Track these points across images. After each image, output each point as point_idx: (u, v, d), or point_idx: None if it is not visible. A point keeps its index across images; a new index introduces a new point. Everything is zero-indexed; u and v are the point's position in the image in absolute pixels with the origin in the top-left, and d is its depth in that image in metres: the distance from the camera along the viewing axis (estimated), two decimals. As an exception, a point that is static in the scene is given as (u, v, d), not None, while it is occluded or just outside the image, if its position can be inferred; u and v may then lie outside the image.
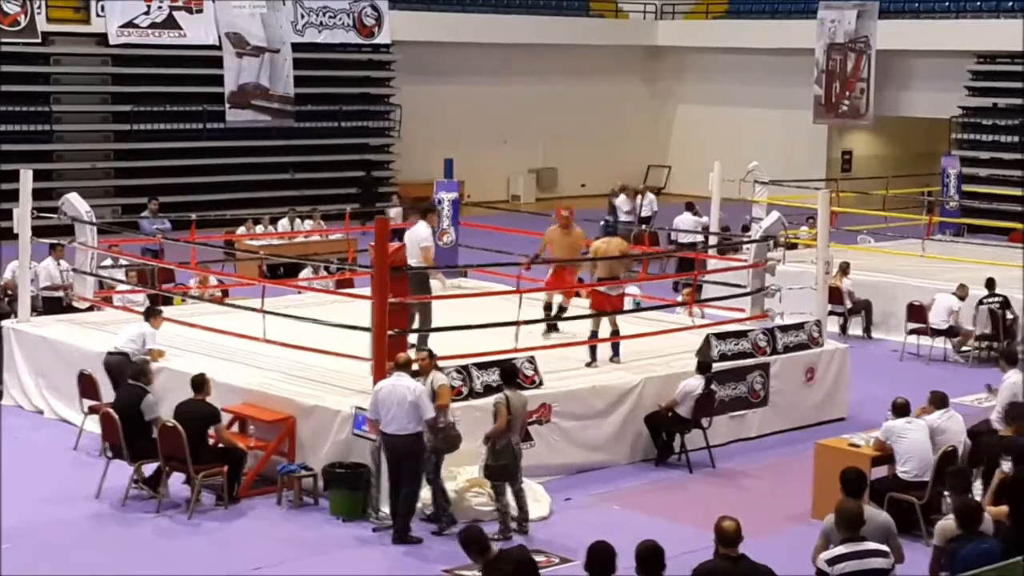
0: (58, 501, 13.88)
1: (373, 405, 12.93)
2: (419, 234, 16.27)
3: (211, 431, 13.65)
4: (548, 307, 17.51)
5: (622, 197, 29.84)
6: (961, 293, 20.93)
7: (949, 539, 9.81)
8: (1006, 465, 12.58)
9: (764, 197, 25.93)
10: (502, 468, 12.95)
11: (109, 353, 15.47)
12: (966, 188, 32.47)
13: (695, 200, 28.72)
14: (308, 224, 27.62)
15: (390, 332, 13.92)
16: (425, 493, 13.19)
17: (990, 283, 20.87)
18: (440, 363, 13.63)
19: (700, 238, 26.27)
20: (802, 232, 25.96)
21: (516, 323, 15.73)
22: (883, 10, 37.42)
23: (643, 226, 28.44)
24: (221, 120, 34.11)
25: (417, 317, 15.41)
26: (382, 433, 12.89)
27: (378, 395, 12.91)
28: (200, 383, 13.83)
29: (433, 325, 15.37)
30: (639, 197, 30.47)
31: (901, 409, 13.35)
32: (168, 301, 19.56)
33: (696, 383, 15.24)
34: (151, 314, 15.90)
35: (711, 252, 23.45)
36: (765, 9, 41.74)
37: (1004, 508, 10.75)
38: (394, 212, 28.21)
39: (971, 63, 36.16)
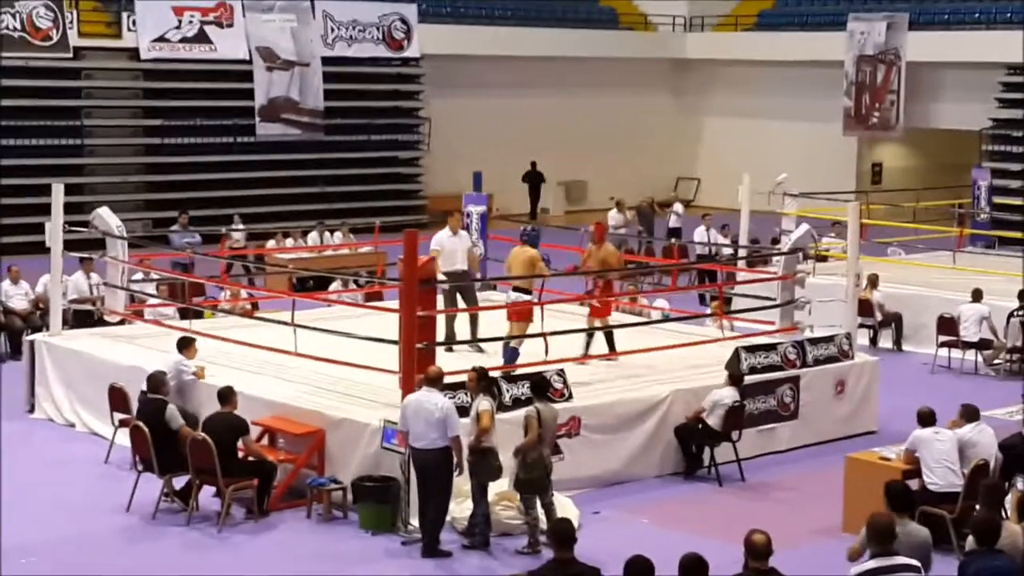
0: (89, 514, 13.94)
1: (402, 418, 12.95)
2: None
3: (240, 444, 13.68)
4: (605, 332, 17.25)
5: (613, 211, 29.88)
6: (977, 297, 20.83)
7: (967, 553, 9.74)
8: (1021, 483, 12.54)
9: (793, 209, 25.84)
10: (533, 481, 12.93)
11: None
12: (997, 200, 32.30)
13: (725, 212, 28.67)
14: (337, 237, 27.68)
15: (418, 345, 13.93)
16: (454, 506, 13.20)
17: (1022, 295, 20.74)
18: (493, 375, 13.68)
19: (724, 251, 26.25)
20: (828, 242, 25.85)
21: (542, 334, 15.72)
22: (913, 22, 37.32)
23: (672, 239, 28.41)
24: (251, 134, 34.26)
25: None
26: (410, 447, 12.91)
27: (406, 410, 12.93)
28: (227, 395, 13.87)
29: (459, 338, 15.37)
30: (670, 207, 30.51)
31: (926, 418, 13.29)
32: (199, 315, 19.63)
33: (727, 394, 15.21)
34: (185, 344, 15.62)
35: (740, 264, 23.37)
36: (795, 21, 41.66)
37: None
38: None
39: (1001, 75, 35.99)
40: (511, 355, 15.97)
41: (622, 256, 17.69)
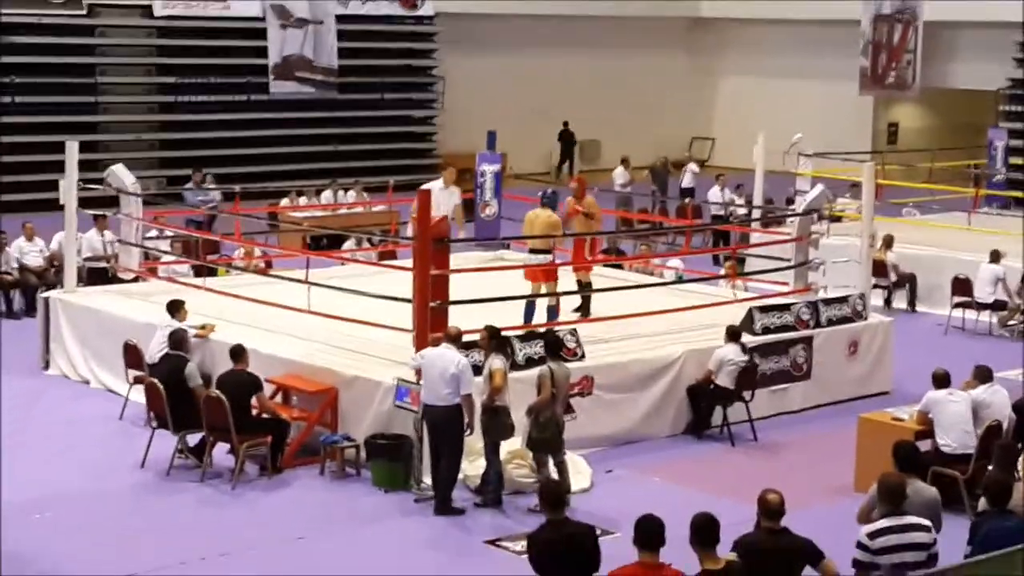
0: (103, 471, 14.01)
1: (418, 366, 13.07)
2: None
3: (253, 401, 13.73)
4: (587, 285, 17.40)
5: (619, 169, 29.87)
6: (995, 258, 20.79)
7: (978, 514, 9.75)
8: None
9: (808, 170, 25.75)
10: (546, 440, 12.97)
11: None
12: (1013, 160, 32.17)
13: (740, 172, 28.61)
14: (351, 196, 27.67)
15: (432, 304, 13.94)
16: (466, 464, 13.24)
17: (1038, 257, 20.72)
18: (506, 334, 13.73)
19: (738, 211, 26.21)
20: (843, 203, 25.79)
21: (545, 295, 15.74)
22: (930, -20, 37.07)
23: (686, 198, 28.36)
24: (265, 92, 34.20)
25: None
26: (423, 404, 12.95)
27: (421, 362, 12.98)
28: (239, 352, 13.92)
29: (472, 297, 15.36)
30: (684, 166, 30.49)
31: (941, 380, 13.29)
32: (212, 272, 19.66)
33: (730, 351, 15.21)
34: (175, 308, 15.49)
35: (754, 225, 23.33)
36: (811, -20, 41.38)
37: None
38: None
39: (1019, 34, 35.71)
40: (551, 313, 16.18)
41: (601, 211, 17.61)
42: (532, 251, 16.52)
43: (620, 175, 29.70)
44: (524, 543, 11.90)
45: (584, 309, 17.00)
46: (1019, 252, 21.32)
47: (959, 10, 35.74)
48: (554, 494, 9.14)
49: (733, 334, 15.39)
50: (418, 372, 13.25)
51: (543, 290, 16.34)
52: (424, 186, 17.68)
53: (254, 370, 13.99)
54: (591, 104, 40.38)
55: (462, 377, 12.74)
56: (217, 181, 27.62)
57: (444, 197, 17.57)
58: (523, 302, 16.33)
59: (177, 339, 14.37)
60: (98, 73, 32.57)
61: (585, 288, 17.16)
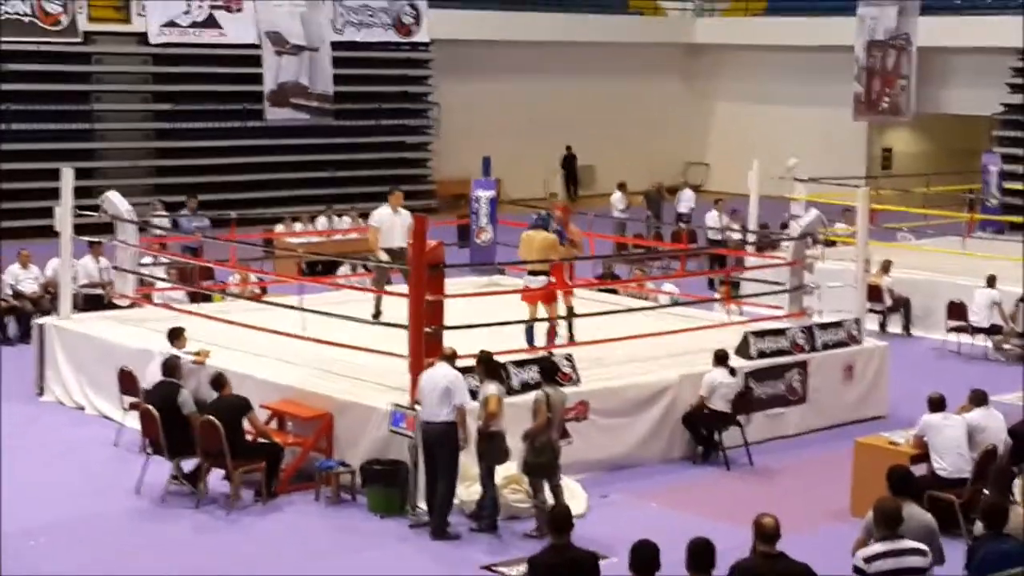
0: (98, 496, 13.97)
1: (420, 394, 13.13)
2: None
3: (246, 423, 13.71)
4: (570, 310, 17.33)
5: (618, 195, 29.92)
6: (990, 283, 20.82)
7: (975, 537, 9.73)
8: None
9: (803, 195, 25.77)
10: (541, 465, 12.95)
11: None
12: (1007, 185, 32.20)
13: (734, 197, 28.64)
14: (346, 222, 27.68)
15: (427, 329, 13.94)
16: (462, 490, 13.22)
17: (1033, 281, 20.74)
18: (500, 360, 13.82)
19: (733, 236, 26.22)
20: (839, 228, 25.83)
21: (545, 319, 15.72)
22: (924, 7, 37.20)
23: (680, 223, 28.39)
24: (260, 118, 34.24)
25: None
26: (421, 422, 12.95)
27: (421, 386, 13.05)
28: (220, 382, 13.92)
29: (467, 323, 15.36)
30: (678, 192, 30.55)
31: (937, 404, 13.29)
32: (208, 298, 19.65)
33: (718, 375, 15.21)
34: (175, 336, 15.45)
35: (748, 249, 23.34)
36: (805, 6, 41.52)
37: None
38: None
39: (1013, 60, 35.89)
40: (548, 337, 16.19)
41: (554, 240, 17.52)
42: (531, 273, 16.51)
43: (619, 200, 29.75)
44: (520, 568, 11.98)
45: (570, 336, 16.95)
46: (1012, 276, 21.35)
47: (953, 36, 35.90)
48: (561, 518, 9.11)
49: (720, 358, 15.39)
50: (413, 397, 13.27)
51: (541, 311, 16.32)
52: (374, 213, 18.01)
53: (249, 396, 13.98)
54: (586, 129, 40.46)
55: (453, 389, 12.77)
56: (213, 208, 27.60)
57: (396, 221, 17.64)
58: (519, 327, 16.33)
59: (170, 366, 14.35)
60: (94, 100, 32.65)
61: (569, 314, 17.11)
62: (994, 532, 9.47)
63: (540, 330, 16.28)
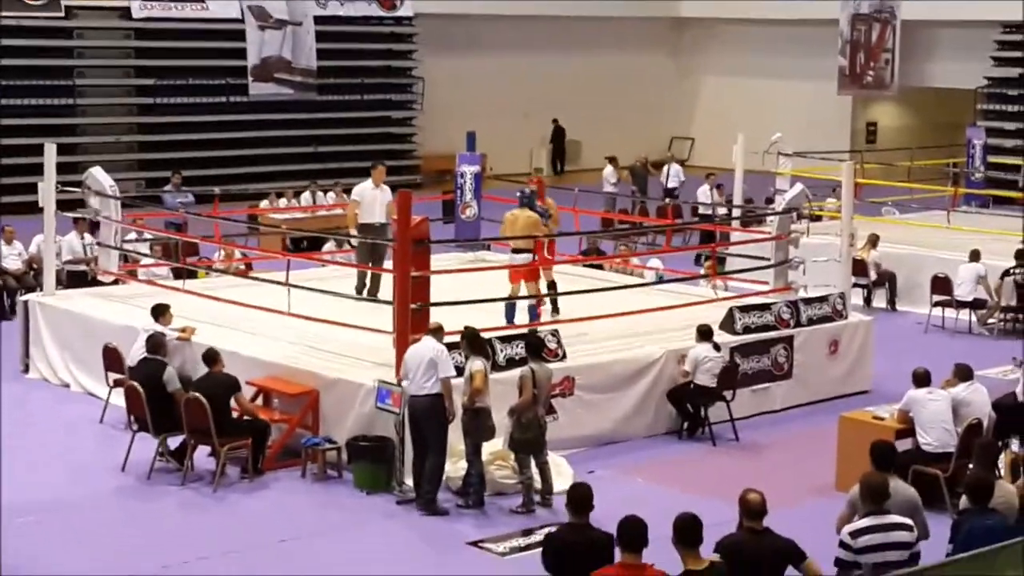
0: (84, 474, 13.96)
1: (404, 369, 13.12)
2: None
3: (233, 402, 13.70)
4: (550, 285, 17.31)
5: (609, 169, 29.89)
6: (975, 257, 20.85)
7: (960, 512, 9.77)
8: (1015, 445, 12.58)
9: (788, 169, 25.79)
10: (528, 441, 12.97)
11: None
12: (992, 159, 32.23)
13: (718, 171, 28.63)
14: (331, 197, 27.62)
15: (412, 305, 13.93)
16: (448, 466, 13.22)
17: (1020, 254, 20.73)
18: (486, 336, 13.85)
19: (721, 211, 26.22)
20: (829, 204, 25.86)
21: (526, 297, 15.73)
22: (908, -21, 37.17)
23: (667, 199, 28.36)
24: (244, 93, 34.13)
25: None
26: (408, 396, 12.96)
27: (407, 361, 13.04)
28: (213, 357, 13.90)
29: (453, 299, 15.39)
30: (666, 167, 30.48)
31: (922, 379, 13.31)
32: (192, 274, 19.62)
33: (702, 350, 15.22)
34: (160, 312, 15.45)
35: (734, 224, 23.36)
36: (790, -20, 41.45)
37: (1023, 481, 10.74)
38: None
39: (997, 33, 35.89)
40: (532, 313, 16.26)
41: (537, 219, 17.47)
42: (515, 251, 16.54)
43: (611, 174, 29.71)
44: (507, 544, 12.03)
45: (554, 308, 17.00)
46: (998, 250, 21.40)
47: (937, 9, 35.84)
48: (581, 497, 9.10)
49: (704, 333, 15.41)
50: (399, 372, 13.28)
51: (524, 290, 16.34)
52: (355, 188, 17.96)
53: (235, 372, 13.96)
54: (571, 104, 40.40)
55: (439, 362, 12.78)
56: (196, 183, 27.51)
57: (376, 196, 17.65)
58: (504, 303, 16.35)
59: (154, 343, 14.32)
60: (76, 76, 32.46)
61: (551, 288, 17.14)
62: (979, 507, 9.52)
63: (521, 307, 16.30)
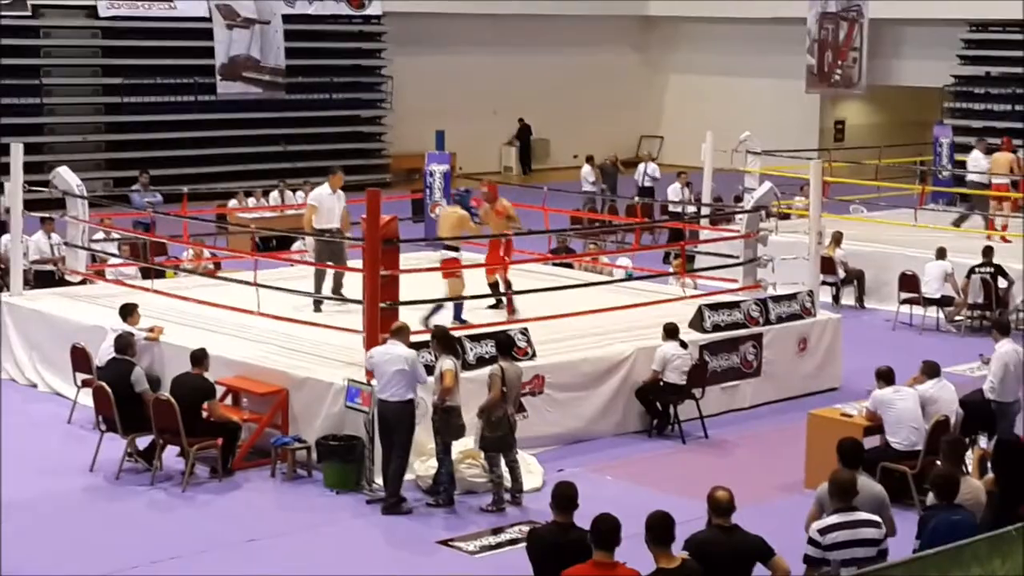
0: (52, 474, 13.89)
1: (371, 365, 13.08)
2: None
3: (205, 406, 13.65)
4: (494, 285, 17.27)
5: (587, 168, 29.92)
6: (941, 255, 20.96)
7: (926, 508, 9.81)
8: (983, 441, 12.65)
9: (756, 167, 25.87)
10: (498, 440, 12.97)
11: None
12: (959, 157, 32.41)
13: (687, 169, 28.68)
14: (299, 196, 27.54)
15: (382, 304, 13.91)
16: (418, 465, 13.22)
17: (986, 252, 20.86)
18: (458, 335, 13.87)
19: (690, 209, 26.27)
20: (797, 202, 25.93)
21: (498, 294, 15.72)
22: (875, -22, 37.35)
23: (641, 197, 28.33)
24: (212, 92, 34.03)
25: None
26: (377, 400, 12.94)
27: (371, 360, 12.98)
28: (200, 357, 13.84)
29: (421, 298, 15.37)
30: (642, 165, 30.48)
31: (885, 377, 13.36)
32: (161, 274, 19.55)
33: (670, 348, 15.25)
34: (127, 312, 15.40)
35: (703, 223, 23.41)
36: (758, -22, 41.58)
37: (990, 477, 10.80)
38: None
39: (963, 31, 36.13)
40: (441, 311, 16.01)
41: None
42: (447, 248, 16.60)
43: (589, 173, 29.71)
44: (477, 542, 12.04)
45: (496, 305, 16.94)
46: (964, 247, 21.52)
47: (904, 8, 36.04)
48: (565, 496, 9.09)
49: (670, 331, 15.43)
50: (369, 373, 13.24)
51: (445, 288, 16.30)
52: (313, 191, 17.83)
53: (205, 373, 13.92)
54: (541, 103, 40.43)
55: (414, 371, 12.80)
56: (164, 183, 27.40)
57: (333, 202, 17.55)
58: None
59: (123, 344, 14.26)
60: (43, 74, 32.33)
61: (504, 287, 17.09)
62: (945, 503, 9.56)
63: (463, 306, 16.30)
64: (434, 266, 16.81)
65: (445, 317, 15.78)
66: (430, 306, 15.81)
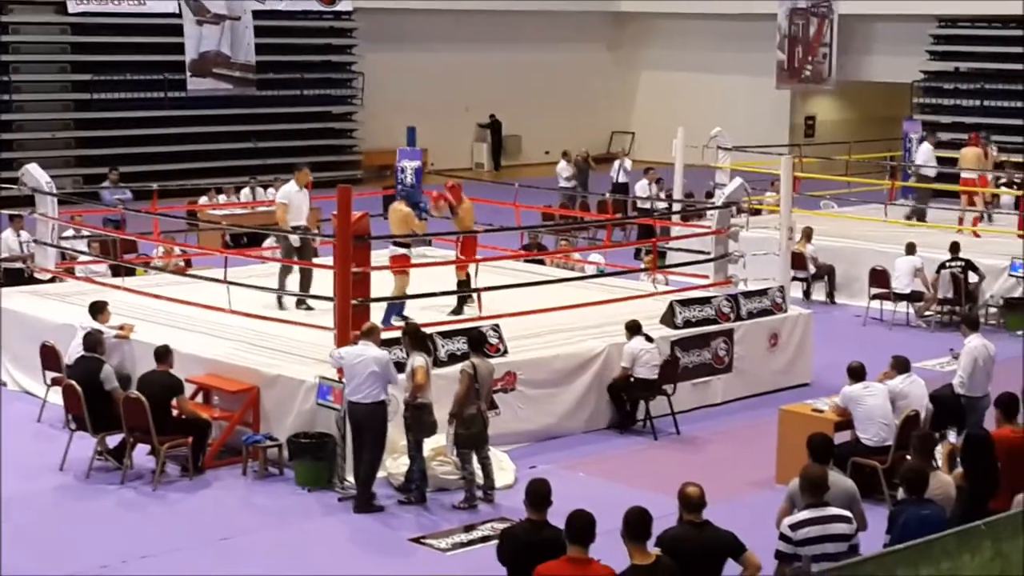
0: (22, 474, 13.81)
1: (341, 364, 13.02)
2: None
3: (174, 402, 13.60)
4: (464, 283, 17.21)
5: (562, 163, 29.91)
6: (911, 250, 21.03)
7: (896, 502, 9.85)
8: (952, 436, 12.70)
9: (727, 163, 25.90)
10: (473, 436, 12.96)
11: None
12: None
13: (658, 165, 28.71)
14: (270, 193, 27.47)
15: (353, 301, 13.89)
16: (390, 462, 13.21)
17: (954, 247, 20.95)
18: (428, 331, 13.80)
19: (660, 205, 26.30)
20: (768, 198, 25.99)
21: (446, 292, 15.70)
22: (845, -25, 37.47)
23: (614, 193, 28.29)
24: (182, 89, 33.88)
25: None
26: (347, 400, 12.91)
27: (341, 360, 12.94)
28: (164, 353, 13.80)
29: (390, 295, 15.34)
30: (617, 162, 30.45)
31: (856, 373, 13.39)
32: (131, 272, 19.47)
33: (636, 344, 15.26)
34: (97, 310, 15.30)
35: (674, 219, 23.44)
36: (728, -26, 41.64)
37: (959, 471, 10.85)
38: None
39: (932, 27, 36.29)
40: (390, 311, 15.94)
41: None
42: (395, 244, 16.58)
43: (564, 169, 29.67)
44: (449, 540, 12.03)
45: (459, 310, 16.90)
46: (934, 242, 21.61)
47: (873, 4, 36.18)
48: (540, 494, 9.06)
49: (632, 328, 15.43)
50: (340, 370, 13.21)
51: (393, 284, 16.25)
52: (281, 189, 17.75)
53: (175, 370, 13.87)
54: (512, 99, 40.39)
55: (387, 372, 12.79)
56: (134, 179, 27.29)
57: (301, 199, 17.46)
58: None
59: (92, 342, 14.20)
60: (11, 71, 32.10)
61: (465, 286, 17.06)
62: (915, 498, 9.61)
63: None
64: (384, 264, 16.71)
65: (379, 315, 15.68)
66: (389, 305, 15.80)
